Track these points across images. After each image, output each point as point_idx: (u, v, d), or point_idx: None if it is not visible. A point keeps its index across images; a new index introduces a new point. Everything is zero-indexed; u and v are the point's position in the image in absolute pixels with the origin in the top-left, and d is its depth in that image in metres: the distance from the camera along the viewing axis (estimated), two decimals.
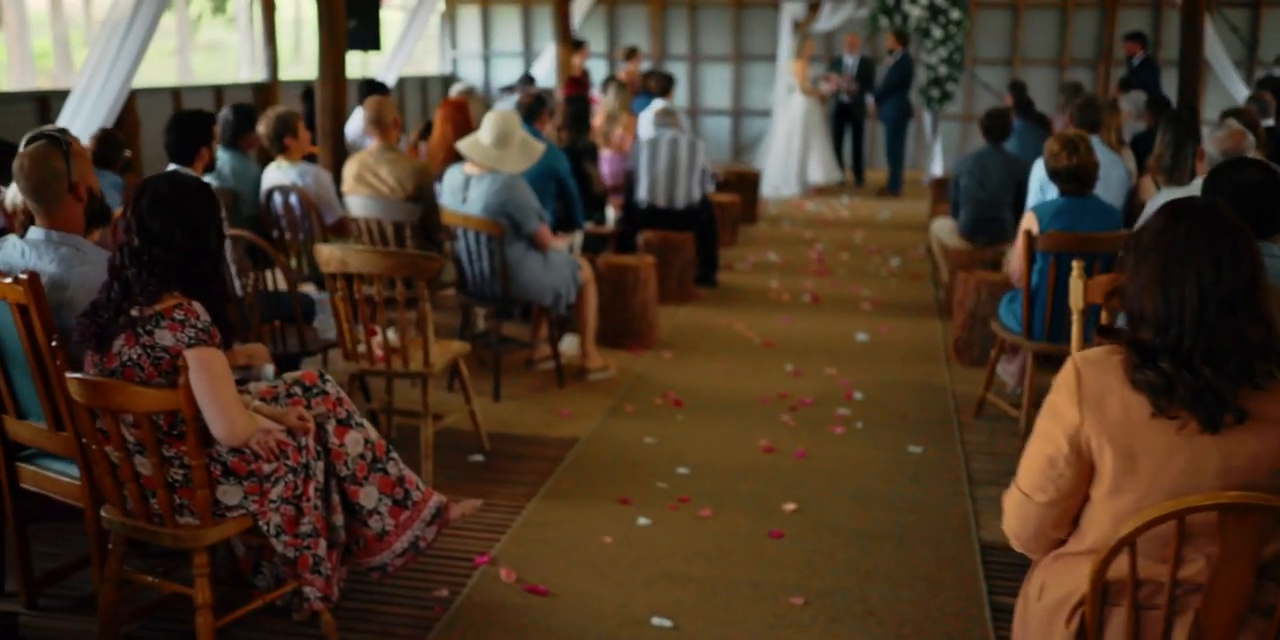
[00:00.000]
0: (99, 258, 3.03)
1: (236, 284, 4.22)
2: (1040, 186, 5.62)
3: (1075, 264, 3.75)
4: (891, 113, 12.01)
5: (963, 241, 6.96)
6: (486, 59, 15.36)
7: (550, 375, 5.59)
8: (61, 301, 2.93)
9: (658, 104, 9.24)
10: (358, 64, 12.44)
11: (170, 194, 2.70)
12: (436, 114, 6.32)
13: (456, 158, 6.32)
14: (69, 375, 2.71)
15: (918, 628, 3.25)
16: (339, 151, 6.32)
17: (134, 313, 2.67)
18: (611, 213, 7.26)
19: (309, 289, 5.35)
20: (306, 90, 7.67)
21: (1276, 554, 2.03)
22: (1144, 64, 11.08)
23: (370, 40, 10.95)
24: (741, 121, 14.83)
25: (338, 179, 5.77)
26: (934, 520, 3.97)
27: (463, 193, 5.07)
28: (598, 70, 13.96)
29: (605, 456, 4.55)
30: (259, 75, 11.40)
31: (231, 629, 3.10)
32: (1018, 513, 2.18)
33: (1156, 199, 4.61)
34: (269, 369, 3.36)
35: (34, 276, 2.82)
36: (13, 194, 4.80)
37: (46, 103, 7.94)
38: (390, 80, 10.23)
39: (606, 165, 7.60)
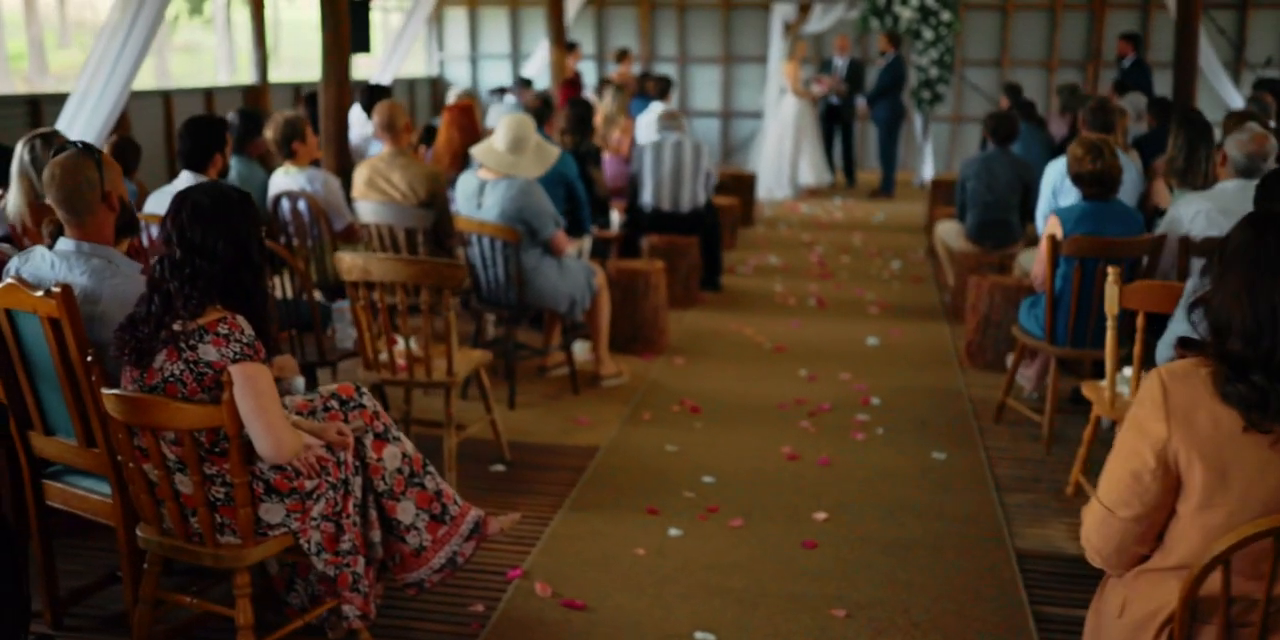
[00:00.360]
0: (131, 270, 2.96)
1: None
2: (1053, 190, 5.61)
3: (1111, 270, 3.74)
4: (884, 114, 12.00)
5: (969, 245, 6.94)
6: (474, 61, 15.26)
7: (563, 382, 5.53)
8: (94, 315, 2.84)
9: (656, 107, 9.22)
10: (365, 65, 12.33)
11: (210, 204, 2.63)
12: (443, 117, 6.24)
13: (463, 162, 6.26)
14: (107, 391, 2.63)
15: None
16: (343, 156, 6.23)
17: (176, 327, 2.59)
18: (616, 217, 7.20)
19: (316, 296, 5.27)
20: (310, 94, 7.57)
21: None
22: (1135, 65, 11.12)
23: (360, 43, 10.84)
24: (731, 123, 14.80)
25: (344, 184, 5.69)
26: (966, 528, 3.94)
27: (477, 198, 5.00)
28: (587, 72, 13.90)
29: (628, 465, 4.49)
30: (240, 77, 11.30)
31: None
32: (1101, 528, 2.14)
33: (1180, 203, 4.59)
34: (299, 381, 3.29)
35: (67, 289, 2.74)
36: (14, 204, 4.72)
37: (38, 106, 7.81)
38: (385, 83, 10.12)
39: (606, 168, 7.54)
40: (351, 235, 5.36)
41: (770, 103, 12.78)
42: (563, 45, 10.81)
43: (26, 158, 4.68)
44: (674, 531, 3.87)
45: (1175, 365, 2.07)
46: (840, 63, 12.59)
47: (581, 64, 13.35)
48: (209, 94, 10.05)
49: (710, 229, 7.41)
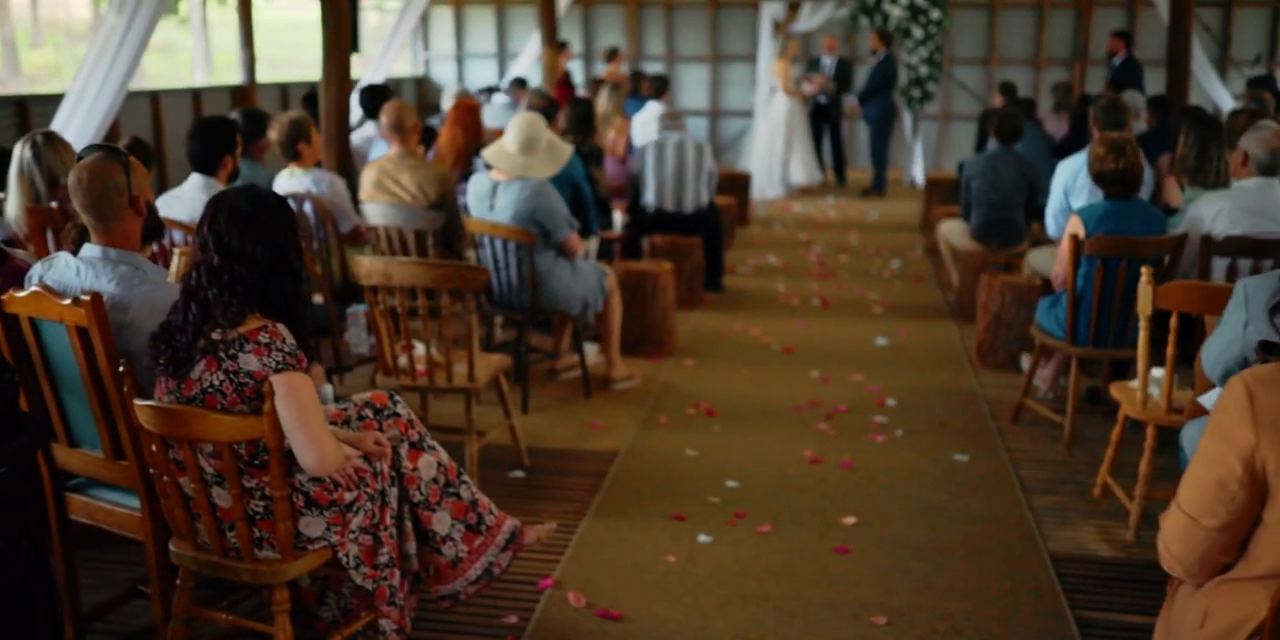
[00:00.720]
0: (159, 276, 2.87)
1: None
2: (1064, 189, 5.58)
3: (1145, 270, 3.71)
4: (875, 113, 11.98)
5: (974, 244, 6.92)
6: (460, 60, 15.15)
7: (575, 385, 5.46)
8: (122, 324, 2.75)
9: (652, 106, 9.16)
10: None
11: (249, 209, 2.54)
12: (446, 116, 6.15)
13: (466, 161, 6.17)
14: (141, 403, 2.55)
15: None
16: (344, 157, 6.13)
17: (215, 336, 2.50)
18: (618, 217, 7.13)
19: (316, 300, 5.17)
20: (308, 94, 7.46)
21: None
22: (1126, 63, 11.13)
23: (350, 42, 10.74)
24: (719, 122, 14.76)
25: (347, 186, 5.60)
26: (997, 532, 3.90)
27: (490, 200, 4.92)
28: (575, 72, 13.81)
29: (649, 470, 4.43)
30: (218, 78, 11.12)
31: None
32: (1184, 538, 2.09)
33: (1200, 202, 4.56)
34: (327, 389, 3.21)
35: (97, 297, 2.64)
36: (13, 208, 4.61)
37: (25, 107, 7.67)
38: (378, 82, 10.00)
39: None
40: (358, 238, 5.27)
41: (760, 102, 12.74)
42: (555, 45, 10.72)
43: (28, 158, 4.57)
44: (703, 538, 3.81)
45: (1260, 370, 2.02)
46: (828, 62, 12.57)
47: (569, 63, 13.27)
48: (197, 94, 9.92)
49: (713, 229, 7.35)
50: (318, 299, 5.14)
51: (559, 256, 5.00)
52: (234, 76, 10.36)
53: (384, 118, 5.22)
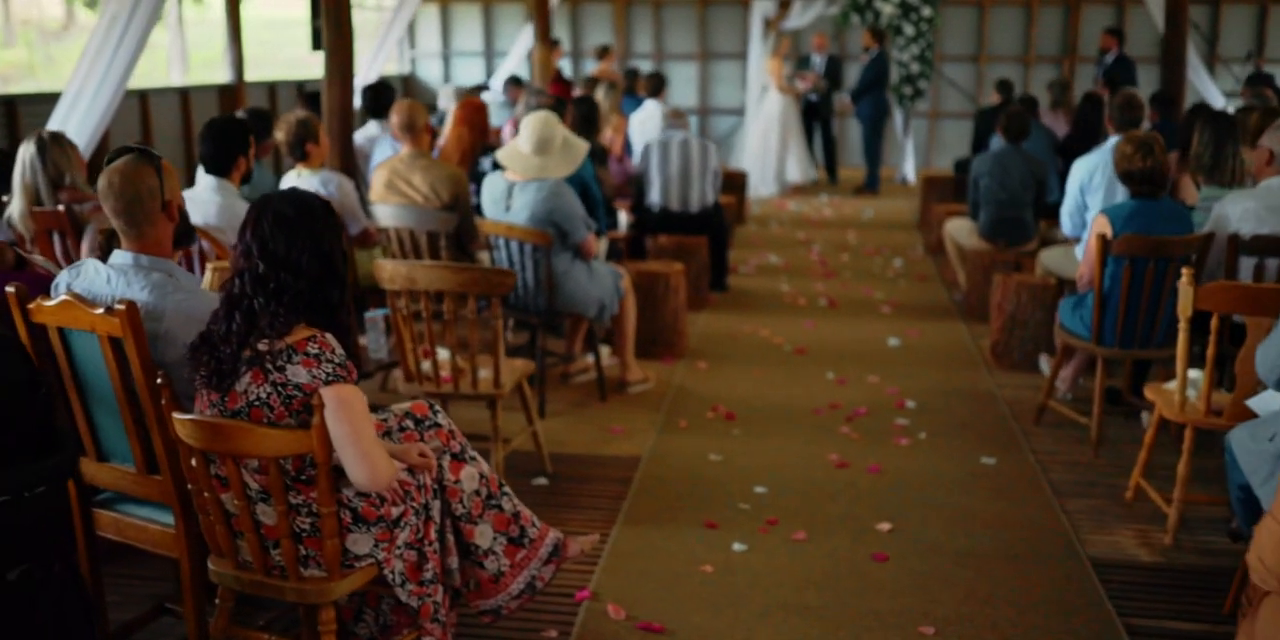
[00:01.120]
0: (192, 284, 2.76)
1: None
2: (1080, 188, 5.52)
3: (1185, 271, 3.66)
4: (868, 111, 11.94)
5: (982, 243, 6.88)
6: (446, 58, 15.01)
7: (589, 389, 5.38)
8: (156, 334, 2.65)
9: (650, 105, 9.07)
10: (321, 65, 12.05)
11: (294, 214, 2.44)
12: (454, 115, 6.04)
13: (473, 161, 6.07)
14: (182, 416, 2.44)
15: None
16: (348, 157, 6.02)
17: (261, 346, 2.40)
18: (623, 217, 7.04)
19: None
20: (309, 93, 7.33)
21: None
22: (1119, 60, 11.15)
23: None
24: (708, 120, 14.68)
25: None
26: (1035, 537, 3.84)
27: (505, 201, 4.82)
28: (563, 69, 13.70)
29: (674, 476, 4.35)
30: (195, 76, 10.93)
31: None
32: None
33: (1226, 201, 4.52)
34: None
35: (132, 307, 2.54)
36: (17, 210, 4.48)
37: (13, 107, 7.50)
38: (370, 80, 9.87)
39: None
40: (367, 240, 5.16)
41: (752, 99, 12.68)
42: (548, 43, 10.62)
43: (32, 158, 4.45)
44: (738, 546, 3.74)
45: None
46: (818, 60, 12.51)
47: (559, 61, 13.17)
48: (184, 94, 9.76)
49: (718, 228, 7.27)
50: None
51: (575, 258, 4.91)
52: (210, 75, 10.20)
53: (395, 117, 5.11)
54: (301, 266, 2.43)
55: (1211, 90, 11.32)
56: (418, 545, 2.72)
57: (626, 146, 8.59)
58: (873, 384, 5.54)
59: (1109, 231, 4.43)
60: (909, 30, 12.43)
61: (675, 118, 7.27)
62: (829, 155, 12.91)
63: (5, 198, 4.58)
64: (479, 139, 5.95)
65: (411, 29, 14.89)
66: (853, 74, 12.91)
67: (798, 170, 12.34)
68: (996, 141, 7.36)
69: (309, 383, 2.40)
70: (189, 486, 2.58)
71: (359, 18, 14.05)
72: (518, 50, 12.96)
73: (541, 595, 3.34)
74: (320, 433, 2.39)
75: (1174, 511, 3.79)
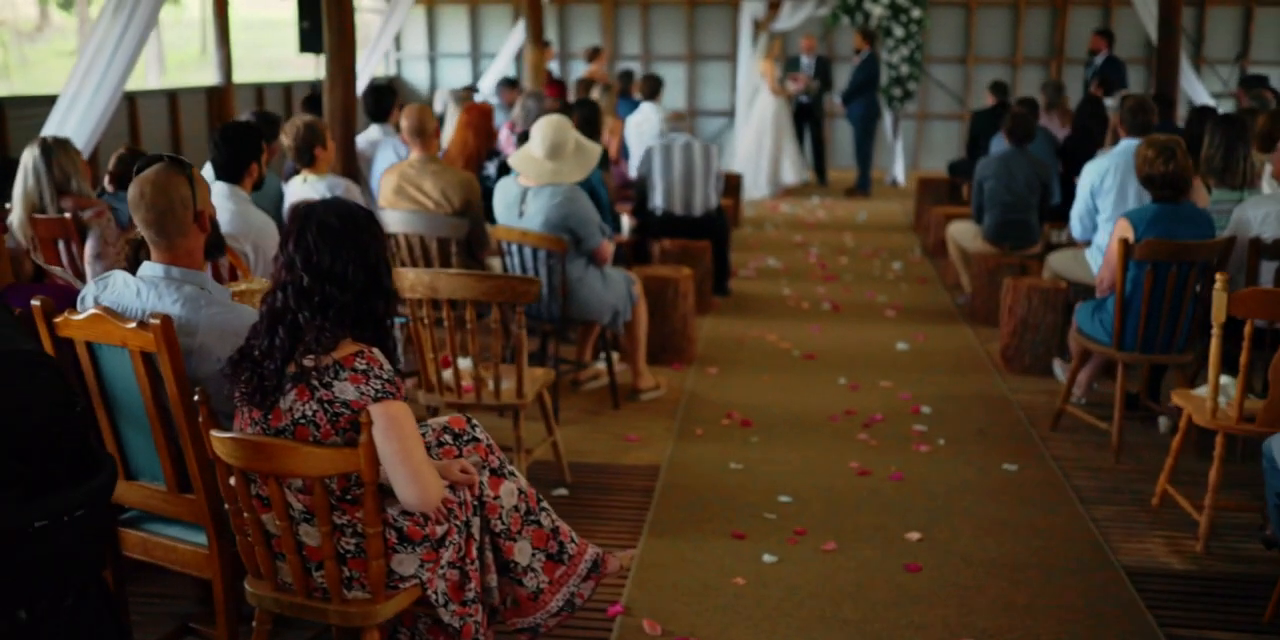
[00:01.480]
0: (225, 297, 2.68)
1: None
2: (1091, 191, 5.50)
3: (1219, 276, 3.62)
4: (860, 112, 11.92)
5: (986, 246, 6.85)
6: (432, 61, 14.91)
7: (600, 396, 5.31)
8: (190, 349, 2.56)
9: (647, 108, 9.01)
10: (310, 66, 11.95)
11: (339, 224, 2.36)
12: (458, 119, 5.95)
13: (477, 166, 5.99)
14: (222, 435, 2.36)
15: None
16: (350, 162, 5.92)
17: (307, 362, 2.32)
18: (626, 221, 6.98)
19: None
20: (309, 96, 7.22)
21: None
22: (1109, 61, 11.17)
23: (323, 43, 10.48)
24: (697, 122, 14.62)
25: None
26: (1065, 546, 3.80)
27: (519, 207, 4.75)
28: (552, 71, 13.62)
29: (696, 485, 4.29)
30: (172, 78, 10.80)
31: None
32: None
33: (1247, 205, 4.51)
34: None
35: (168, 321, 2.46)
36: (16, 219, 4.37)
37: (1, 109, 7.37)
38: (362, 82, 9.76)
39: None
40: None
41: (743, 101, 12.64)
42: (540, 44, 10.54)
43: (35, 164, 4.34)
44: (768, 558, 3.68)
45: None
46: (807, 61, 12.49)
47: (548, 63, 13.10)
48: (173, 96, 9.64)
49: (720, 232, 7.22)
50: None
51: (590, 264, 4.85)
52: (186, 77, 10.08)
53: (404, 121, 5.02)
54: (347, 278, 2.35)
55: (1199, 91, 11.36)
56: (460, 564, 2.65)
57: (622, 150, 8.53)
58: (885, 389, 5.50)
59: (1131, 236, 4.40)
60: (898, 32, 12.43)
61: (677, 120, 7.22)
62: (819, 157, 12.89)
63: (7, 205, 4.47)
64: (484, 144, 5.87)
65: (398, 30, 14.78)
66: (842, 75, 12.89)
67: (792, 172, 12.30)
68: (999, 144, 7.35)
69: (357, 400, 2.32)
70: (226, 506, 2.50)
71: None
72: (507, 51, 12.87)
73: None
74: (368, 451, 2.32)
75: (1205, 518, 3.76)
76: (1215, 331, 3.69)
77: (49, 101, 7.07)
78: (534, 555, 2.88)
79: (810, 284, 7.87)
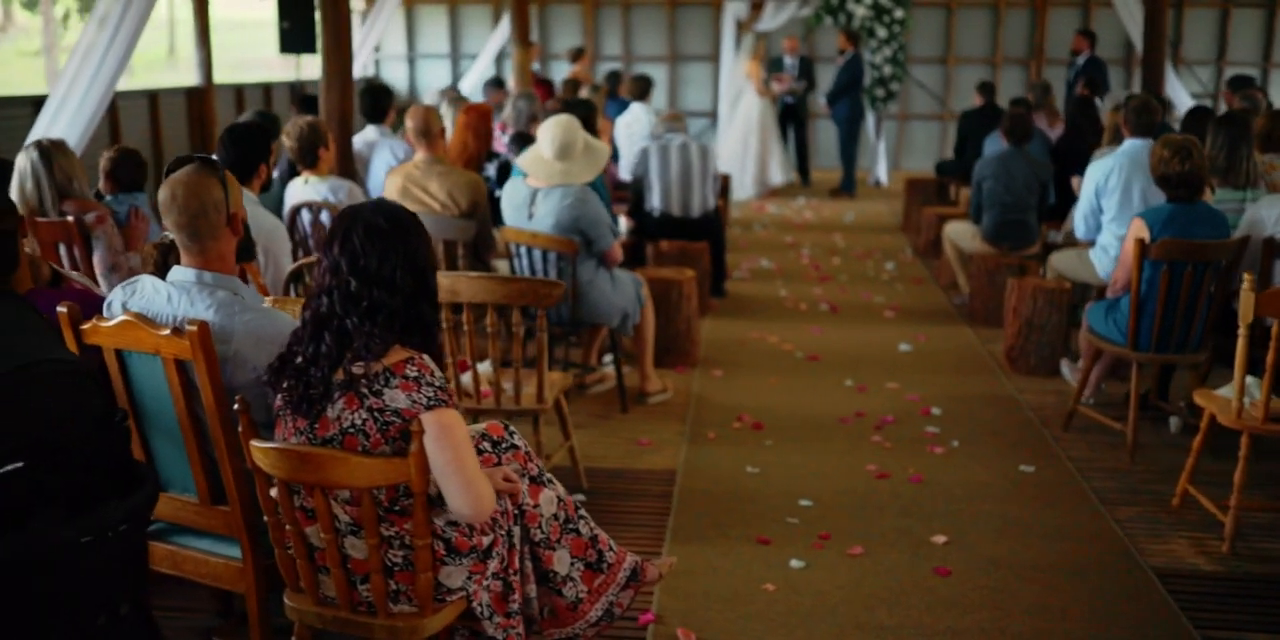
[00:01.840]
0: (259, 302, 2.60)
1: None
2: (1095, 190, 5.49)
3: (1246, 276, 3.61)
4: (844, 113, 11.91)
5: (984, 246, 6.84)
6: (411, 61, 14.77)
7: (608, 399, 5.24)
8: (225, 356, 2.48)
9: (636, 108, 8.95)
10: (292, 66, 11.81)
11: (387, 226, 2.29)
12: (457, 121, 5.87)
13: (477, 169, 5.91)
14: (265, 445, 2.28)
15: None
16: (347, 163, 5.83)
17: (356, 370, 2.25)
18: (624, 222, 6.91)
19: None
20: (304, 96, 7.11)
21: None
22: (1090, 62, 11.23)
23: (306, 43, 10.37)
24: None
25: None
26: (1092, 548, 3.77)
27: (528, 208, 4.68)
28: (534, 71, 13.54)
29: (715, 490, 4.24)
30: (138, 79, 10.62)
31: None
32: None
33: (1261, 205, 4.52)
34: None
35: (204, 327, 2.37)
36: None
37: None
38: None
39: None
40: None
41: (727, 102, 12.61)
42: (527, 45, 10.46)
43: (33, 166, 4.24)
44: (795, 563, 3.63)
45: None
46: (790, 62, 12.48)
47: (533, 63, 13.01)
48: (153, 97, 9.47)
49: (716, 233, 7.17)
50: None
51: (599, 266, 4.78)
52: (155, 79, 9.93)
53: (410, 122, 4.94)
54: (396, 282, 2.28)
55: (1179, 91, 11.45)
56: (504, 575, 2.58)
57: (613, 151, 8.47)
58: (893, 390, 5.47)
59: (1147, 235, 4.39)
60: (881, 32, 12.44)
61: (672, 120, 7.16)
62: (802, 158, 12.88)
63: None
64: (484, 147, 5.78)
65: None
66: (825, 76, 12.89)
67: (780, 172, 12.28)
68: (994, 144, 7.35)
69: (408, 408, 2.25)
70: (267, 519, 2.42)
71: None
72: (489, 52, 12.78)
73: None
74: (419, 461, 2.24)
75: (1230, 519, 3.75)
76: (1242, 331, 3.68)
77: (22, 103, 6.93)
78: (573, 564, 2.81)
79: (805, 285, 7.84)
